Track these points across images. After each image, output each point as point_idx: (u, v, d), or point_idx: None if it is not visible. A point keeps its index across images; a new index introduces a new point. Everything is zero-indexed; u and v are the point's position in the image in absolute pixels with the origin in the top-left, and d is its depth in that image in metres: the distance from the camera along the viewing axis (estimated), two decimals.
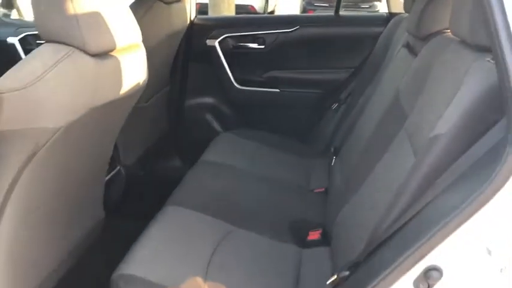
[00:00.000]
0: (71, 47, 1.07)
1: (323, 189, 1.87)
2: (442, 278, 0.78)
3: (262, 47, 2.52)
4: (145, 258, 1.27)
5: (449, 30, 1.26)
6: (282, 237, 1.51)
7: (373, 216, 1.07)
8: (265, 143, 2.20)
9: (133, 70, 1.29)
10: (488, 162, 0.78)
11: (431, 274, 0.78)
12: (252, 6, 7.59)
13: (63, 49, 1.06)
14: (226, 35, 2.50)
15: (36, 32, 2.68)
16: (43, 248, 1.28)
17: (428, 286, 0.79)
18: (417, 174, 0.95)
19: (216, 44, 2.49)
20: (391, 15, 2.37)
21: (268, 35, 2.50)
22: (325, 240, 1.50)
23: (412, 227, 0.87)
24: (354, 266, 0.99)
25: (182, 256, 1.31)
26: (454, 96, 0.94)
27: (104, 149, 1.45)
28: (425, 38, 1.41)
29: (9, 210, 1.08)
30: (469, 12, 1.00)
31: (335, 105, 2.36)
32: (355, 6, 8.19)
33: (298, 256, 1.44)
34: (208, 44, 2.49)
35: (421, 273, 0.79)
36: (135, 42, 1.30)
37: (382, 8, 7.79)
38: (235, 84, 2.55)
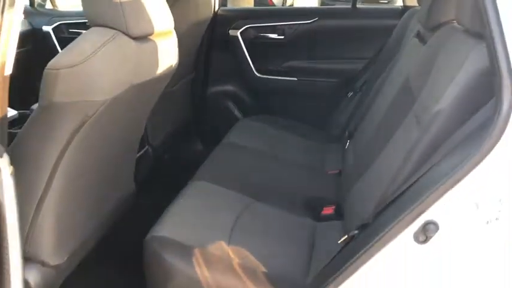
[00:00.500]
0: (116, 31, 1.21)
1: (337, 171, 1.99)
2: (439, 231, 0.91)
3: (282, 37, 2.64)
4: (175, 223, 1.41)
5: (455, 21, 1.37)
6: (298, 211, 1.64)
7: (380, 184, 1.20)
8: (283, 129, 2.33)
9: (167, 53, 1.43)
10: (479, 135, 0.90)
11: (429, 227, 0.91)
12: (271, 0, 7.68)
13: (109, 32, 1.20)
14: (248, 25, 2.62)
15: (68, 21, 2.86)
16: (82, 215, 1.40)
17: (426, 238, 0.92)
18: (421, 145, 1.07)
19: (238, 34, 2.62)
20: (405, 8, 2.46)
21: (288, 26, 2.61)
22: (339, 215, 1.61)
23: (413, 189, 0.99)
24: (363, 227, 1.12)
25: (208, 223, 1.44)
26: (454, 77, 1.06)
27: (138, 126, 1.59)
28: (434, 28, 1.52)
29: (58, 176, 1.21)
30: (471, 2, 1.11)
31: (350, 94, 2.46)
32: (374, 0, 8.21)
33: (313, 228, 1.57)
34: (230, 34, 2.62)
35: (420, 226, 0.92)
36: (169, 28, 1.44)
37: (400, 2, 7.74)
38: (256, 72, 2.67)
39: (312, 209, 1.69)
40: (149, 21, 1.28)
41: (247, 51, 2.64)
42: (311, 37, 2.61)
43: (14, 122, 1.55)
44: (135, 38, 1.25)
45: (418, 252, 0.94)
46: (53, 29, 2.80)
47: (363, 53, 2.54)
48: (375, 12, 2.72)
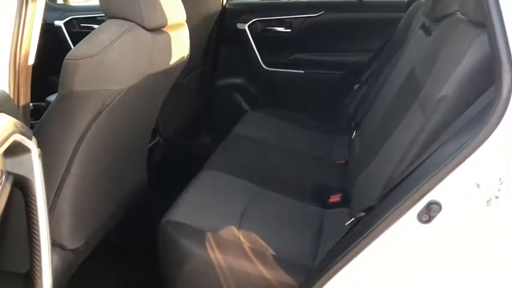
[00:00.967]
0: (132, 23, 1.25)
1: (344, 161, 2.03)
2: (442, 210, 0.95)
3: (289, 30, 2.68)
4: (188, 209, 1.46)
5: (459, 12, 1.41)
6: (306, 199, 1.69)
7: (386, 170, 1.24)
8: (291, 120, 2.37)
9: (180, 45, 1.48)
10: (481, 119, 0.94)
11: (432, 207, 0.95)
12: None
13: (125, 24, 1.24)
14: (256, 19, 2.66)
15: (79, 16, 2.91)
16: (98, 201, 1.45)
17: (430, 218, 0.96)
18: (425, 130, 1.12)
19: (246, 27, 2.66)
20: (411, 1, 2.49)
21: (295, 20, 2.66)
22: (345, 202, 1.66)
23: (418, 171, 1.04)
24: (369, 209, 1.16)
25: (218, 209, 1.50)
26: (458, 65, 1.11)
27: (151, 116, 1.64)
28: (439, 20, 1.56)
29: (76, 163, 1.26)
30: None
31: (357, 86, 2.50)
32: None
33: (321, 214, 1.62)
34: (238, 27, 2.67)
35: (423, 207, 0.96)
36: (182, 20, 1.49)
37: None
38: (263, 65, 2.72)
39: (320, 197, 1.73)
40: (163, 13, 1.33)
41: (255, 44, 2.69)
42: (318, 30, 2.65)
43: (30, 114, 1.60)
44: (150, 30, 1.29)
45: (421, 232, 0.99)
46: (65, 24, 2.85)
47: (369, 45, 2.58)
48: (380, 5, 2.75)
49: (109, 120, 1.28)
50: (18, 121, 0.82)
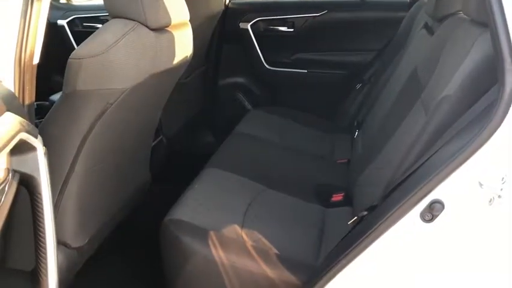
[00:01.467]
0: (135, 22, 1.26)
1: (346, 160, 2.04)
2: (444, 209, 0.96)
3: (292, 30, 2.68)
4: (191, 207, 1.46)
5: (462, 12, 1.41)
6: (308, 198, 1.69)
7: (389, 169, 1.25)
8: (293, 119, 2.37)
9: (183, 44, 1.48)
10: (483, 118, 0.95)
11: (435, 206, 0.96)
12: None
13: (129, 23, 1.25)
14: (258, 18, 2.67)
15: (82, 16, 2.91)
16: (102, 200, 1.46)
17: (432, 217, 0.97)
18: (428, 130, 1.12)
19: (249, 27, 2.67)
20: (413, 0, 2.50)
21: (298, 19, 2.66)
22: (348, 201, 1.66)
23: (420, 171, 1.04)
24: (371, 208, 1.17)
25: (221, 207, 1.50)
26: (460, 64, 1.11)
27: (154, 115, 1.65)
28: (441, 19, 1.56)
29: (80, 161, 1.26)
30: None
31: (359, 85, 2.51)
32: None
33: (323, 213, 1.62)
34: (241, 26, 2.67)
35: (426, 206, 0.97)
36: (185, 20, 1.49)
37: None
38: (266, 65, 2.72)
39: (322, 196, 1.74)
40: (167, 12, 1.33)
41: (258, 44, 2.69)
42: (320, 29, 2.65)
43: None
44: (153, 29, 1.30)
45: (424, 231, 0.99)
46: (68, 23, 2.85)
47: (371, 45, 2.58)
48: (383, 5, 2.75)
49: (113, 119, 1.29)
50: (24, 120, 0.83)
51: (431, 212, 0.96)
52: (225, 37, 2.70)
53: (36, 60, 1.06)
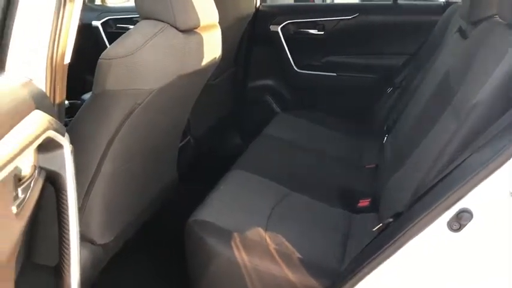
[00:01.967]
0: (165, 23, 1.27)
1: (374, 165, 2.01)
2: (473, 219, 0.93)
3: (322, 33, 2.66)
4: (216, 208, 1.47)
5: (497, 16, 1.37)
6: (334, 203, 1.67)
7: (417, 175, 1.22)
8: (321, 123, 2.36)
9: (211, 46, 1.49)
10: None
11: (463, 215, 0.93)
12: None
13: (158, 25, 1.26)
14: (288, 21, 2.66)
15: (116, 17, 2.97)
16: (128, 198, 1.48)
17: (460, 226, 0.94)
18: (458, 136, 1.09)
19: (279, 29, 2.66)
20: (447, 4, 2.44)
21: (328, 22, 2.64)
22: (374, 207, 1.63)
23: (449, 178, 1.01)
24: (398, 215, 1.14)
25: (246, 209, 1.50)
26: (494, 71, 1.07)
27: (182, 116, 1.66)
28: (476, 23, 1.51)
29: (108, 160, 1.28)
30: None
31: (390, 89, 2.46)
32: None
33: (348, 219, 1.60)
34: (271, 29, 2.67)
35: (454, 215, 0.94)
36: (214, 21, 1.50)
37: None
38: (295, 67, 2.71)
39: (348, 201, 1.71)
40: (196, 14, 1.34)
41: (287, 47, 2.68)
42: (351, 33, 2.62)
43: (65, 111, 1.65)
44: (182, 31, 1.31)
45: (451, 240, 0.96)
46: (102, 24, 2.92)
47: (403, 48, 2.54)
48: (416, 8, 2.70)
49: (140, 120, 1.30)
50: (52, 118, 0.84)
51: (459, 221, 0.93)
52: (255, 40, 2.70)
53: (67, 60, 1.08)
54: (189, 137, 2.15)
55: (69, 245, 0.82)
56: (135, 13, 2.79)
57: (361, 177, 1.93)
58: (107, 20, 2.92)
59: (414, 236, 0.99)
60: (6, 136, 0.65)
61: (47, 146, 0.82)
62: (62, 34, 1.03)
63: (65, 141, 0.85)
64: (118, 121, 1.25)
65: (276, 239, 1.36)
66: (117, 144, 1.28)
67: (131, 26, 2.77)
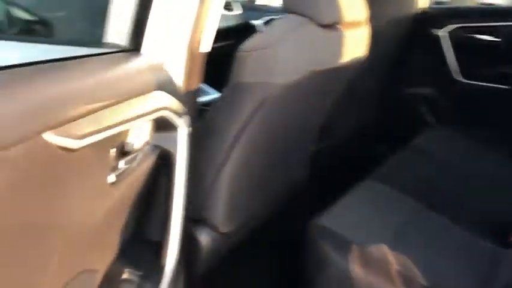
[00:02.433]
0: (306, 18, 1.25)
1: None
2: None
3: (498, 39, 2.34)
4: (340, 216, 1.40)
5: None
6: (479, 231, 1.45)
7: None
8: (481, 142, 2.08)
9: (354, 44, 1.41)
10: None
11: None
12: None
13: (299, 19, 1.24)
14: (458, 25, 2.40)
15: (275, 17, 3.02)
16: (253, 191, 1.49)
17: None
18: None
19: (445, 34, 2.42)
20: None
21: (506, 27, 2.31)
22: None
23: None
24: None
25: (372, 222, 1.39)
26: None
27: (315, 115, 1.61)
28: None
29: (236, 150, 1.30)
30: None
31: None
32: None
33: (496, 254, 1.37)
34: (434, 33, 2.44)
35: None
36: (360, 19, 1.41)
37: None
38: (461, 77, 2.44)
39: (500, 233, 1.48)
40: (338, 9, 1.28)
41: (454, 53, 2.42)
42: None
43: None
44: (324, 26, 1.26)
45: None
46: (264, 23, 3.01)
47: None
48: None
49: (270, 114, 1.29)
50: (173, 99, 0.87)
51: None
52: (414, 43, 2.50)
53: (205, 48, 1.12)
54: (326, 140, 2.08)
55: (170, 222, 0.83)
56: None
57: None
58: (269, 19, 3.00)
59: None
60: (116, 106, 0.68)
61: (165, 126, 0.85)
62: (201, 21, 1.06)
63: (182, 123, 0.87)
64: (248, 112, 1.26)
65: (400, 259, 1.24)
66: (246, 136, 1.29)
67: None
